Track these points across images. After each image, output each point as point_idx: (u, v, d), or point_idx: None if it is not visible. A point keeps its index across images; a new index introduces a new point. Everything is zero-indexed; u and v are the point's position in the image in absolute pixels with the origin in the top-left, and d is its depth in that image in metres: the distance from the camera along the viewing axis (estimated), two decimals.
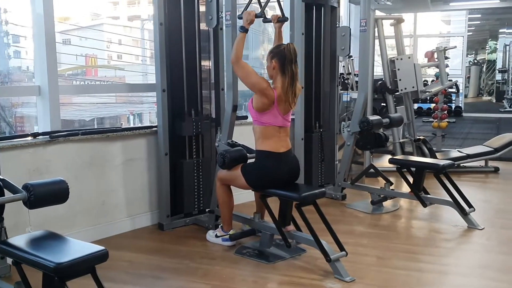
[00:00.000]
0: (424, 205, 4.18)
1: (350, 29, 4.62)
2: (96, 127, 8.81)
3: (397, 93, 6.04)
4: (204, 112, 4.10)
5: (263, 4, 3.57)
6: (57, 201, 2.51)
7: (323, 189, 3.30)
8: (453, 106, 12.67)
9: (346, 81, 6.75)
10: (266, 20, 3.56)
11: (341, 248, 3.15)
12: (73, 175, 3.56)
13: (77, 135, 3.58)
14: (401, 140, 6.05)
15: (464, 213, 3.99)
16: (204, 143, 4.09)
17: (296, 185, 3.35)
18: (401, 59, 5.83)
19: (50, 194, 2.46)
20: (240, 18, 3.45)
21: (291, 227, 3.38)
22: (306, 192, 3.20)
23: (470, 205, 4.08)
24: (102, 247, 2.19)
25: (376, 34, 5.88)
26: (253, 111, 3.28)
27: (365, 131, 4.39)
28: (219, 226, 3.65)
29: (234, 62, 3.26)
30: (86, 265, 2.13)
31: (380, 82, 6.08)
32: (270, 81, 3.34)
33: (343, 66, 6.82)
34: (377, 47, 6.11)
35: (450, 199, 4.05)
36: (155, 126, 3.95)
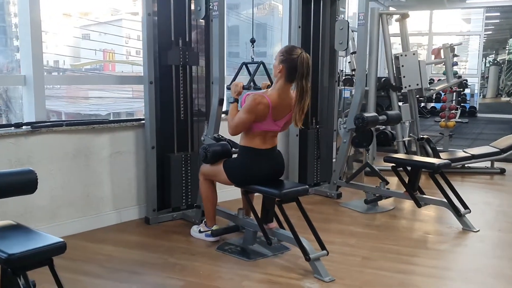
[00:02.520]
0: (419, 205, 4.05)
1: (348, 22, 4.50)
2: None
3: (403, 91, 5.89)
4: (194, 108, 4.03)
5: (252, 73, 3.56)
6: (24, 191, 2.44)
7: (306, 186, 3.19)
8: (468, 106, 12.39)
9: (352, 77, 6.65)
10: (256, 87, 3.50)
11: (322, 247, 3.05)
12: (56, 166, 3.53)
13: (61, 126, 3.54)
14: (404, 139, 5.89)
15: (458, 215, 3.84)
16: (193, 137, 4.02)
17: (279, 182, 3.25)
18: (406, 55, 5.67)
19: (16, 184, 2.39)
20: (229, 89, 3.43)
21: (273, 225, 3.29)
22: (287, 188, 3.10)
23: (465, 207, 3.94)
24: (60, 239, 2.13)
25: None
26: None
27: (360, 128, 4.26)
28: (203, 221, 3.58)
29: (233, 132, 3.18)
30: (41, 257, 2.06)
31: (384, 79, 5.94)
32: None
33: (349, 62, 6.71)
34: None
35: (445, 200, 3.91)
36: (143, 119, 3.89)
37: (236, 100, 3.30)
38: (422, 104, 12.21)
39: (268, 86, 3.43)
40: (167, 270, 3.02)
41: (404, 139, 5.89)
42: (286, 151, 4.88)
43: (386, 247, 3.47)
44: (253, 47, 3.57)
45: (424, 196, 4.11)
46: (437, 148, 6.69)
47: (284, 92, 3.10)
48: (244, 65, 3.58)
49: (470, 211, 3.93)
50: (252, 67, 3.56)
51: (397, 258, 3.27)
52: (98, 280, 2.87)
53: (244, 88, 3.35)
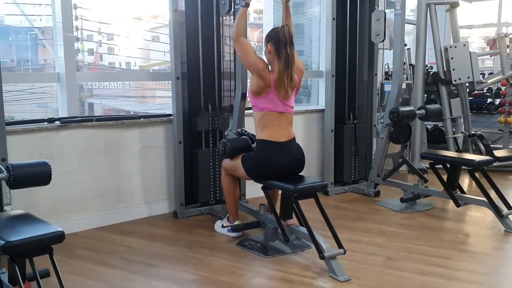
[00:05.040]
0: (457, 205, 3.81)
1: (385, 13, 4.31)
2: None
3: (454, 84, 5.56)
4: (224, 104, 4.03)
5: None
6: (38, 183, 2.52)
7: (324, 182, 3.09)
8: None
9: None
10: None
11: (340, 246, 2.93)
12: (87, 160, 3.65)
13: (91, 121, 3.65)
14: (455, 135, 5.56)
15: (500, 215, 3.57)
16: (222, 132, 4.01)
17: (297, 177, 3.17)
18: (455, 47, 5.34)
19: (30, 176, 2.47)
20: None
21: (292, 221, 3.22)
22: (304, 184, 3.01)
23: (509, 207, 3.65)
24: (58, 229, 2.18)
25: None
26: (251, 96, 3.16)
27: (396, 123, 4.07)
28: (226, 216, 3.57)
29: (235, 38, 3.17)
30: (38, 245, 2.13)
31: (432, 72, 5.64)
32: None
33: None
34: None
35: (485, 199, 3.65)
36: (171, 115, 3.93)
37: (247, 5, 3.23)
38: (489, 100, 11.52)
39: None
40: (182, 264, 3.03)
41: (455, 136, 5.56)
42: (321, 147, 4.77)
43: (414, 247, 3.29)
44: None
45: (464, 195, 3.87)
46: (497, 146, 6.31)
47: (280, 69, 3.08)
48: None
49: None
50: None
51: (423, 259, 3.08)
52: (113, 271, 2.93)
53: None
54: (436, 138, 6.96)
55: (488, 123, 9.42)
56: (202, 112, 3.90)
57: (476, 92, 7.99)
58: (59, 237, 2.18)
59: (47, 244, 2.17)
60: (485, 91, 9.72)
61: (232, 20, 3.96)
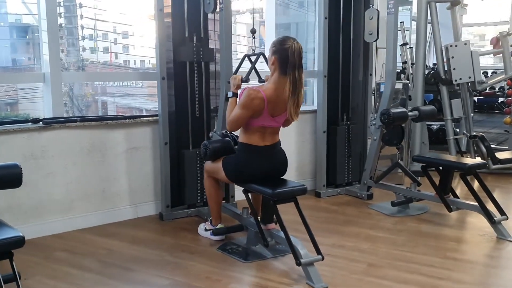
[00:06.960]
0: (449, 210, 3.71)
1: (378, 12, 4.21)
2: None
3: (456, 83, 5.43)
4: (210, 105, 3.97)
5: (251, 66, 3.44)
6: (8, 185, 2.49)
7: (304, 185, 3.01)
8: None
9: (403, 70, 6.32)
10: (261, 81, 3.36)
11: (318, 252, 2.85)
12: (71, 161, 3.62)
13: (75, 121, 3.63)
14: (456, 137, 5.43)
15: (492, 221, 3.46)
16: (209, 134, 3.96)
17: (278, 181, 3.09)
18: (456, 46, 5.21)
19: (1, 178, 2.46)
20: (229, 83, 3.35)
21: (272, 225, 3.15)
22: (283, 188, 2.94)
23: (502, 213, 3.53)
24: (19, 233, 2.14)
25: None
26: None
27: (387, 125, 3.97)
28: (209, 219, 3.51)
29: (230, 126, 3.08)
30: None
31: (432, 71, 5.51)
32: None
33: (400, 55, 6.34)
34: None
35: (477, 204, 3.53)
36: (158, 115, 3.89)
37: (235, 95, 3.20)
38: (501, 99, 11.25)
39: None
40: (159, 268, 2.98)
41: (456, 137, 5.43)
42: (313, 149, 4.70)
43: (399, 254, 3.20)
44: (253, 37, 3.44)
45: (457, 199, 3.76)
46: (503, 147, 6.17)
47: (280, 85, 2.94)
48: (246, 58, 3.45)
49: (507, 218, 3.52)
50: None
51: (407, 266, 2.99)
52: (88, 274, 2.89)
53: (242, 81, 3.25)
54: (441, 138, 6.82)
55: (498, 123, 9.20)
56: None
57: (487, 91, 7.81)
58: (18, 242, 2.14)
59: (8, 249, 2.14)
60: (496, 90, 9.52)
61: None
